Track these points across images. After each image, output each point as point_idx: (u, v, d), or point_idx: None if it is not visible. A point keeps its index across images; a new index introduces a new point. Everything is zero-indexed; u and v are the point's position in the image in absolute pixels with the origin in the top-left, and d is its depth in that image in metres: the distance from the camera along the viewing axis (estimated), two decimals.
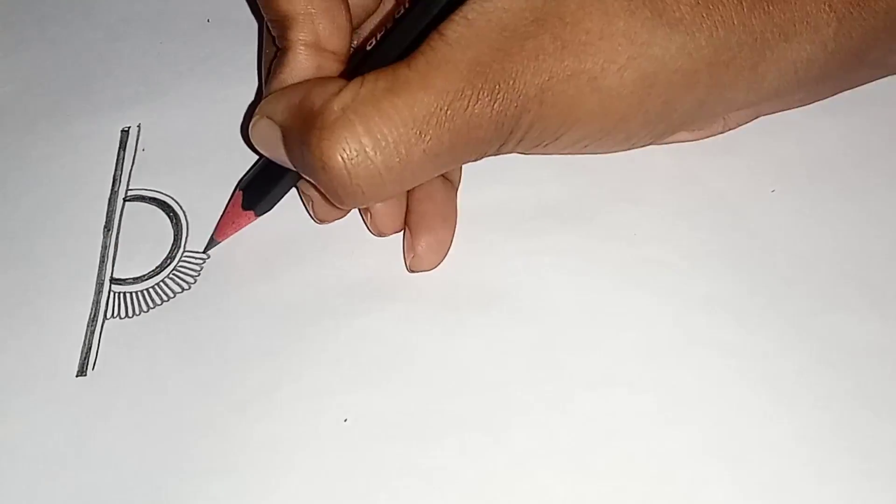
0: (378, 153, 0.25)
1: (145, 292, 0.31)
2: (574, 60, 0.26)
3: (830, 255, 0.31)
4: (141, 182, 0.34)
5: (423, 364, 0.29)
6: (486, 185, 0.33)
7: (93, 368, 0.30)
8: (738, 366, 0.28)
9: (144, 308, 0.31)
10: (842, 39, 0.28)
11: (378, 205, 0.31)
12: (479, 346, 0.29)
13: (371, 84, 0.26)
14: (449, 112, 0.26)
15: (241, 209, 0.32)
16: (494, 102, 0.26)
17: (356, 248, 0.32)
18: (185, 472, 0.28)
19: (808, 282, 0.30)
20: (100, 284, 0.32)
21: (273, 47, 0.31)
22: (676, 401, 0.28)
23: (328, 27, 0.29)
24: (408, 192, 0.31)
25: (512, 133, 0.27)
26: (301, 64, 0.29)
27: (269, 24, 0.30)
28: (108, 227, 0.33)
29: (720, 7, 0.27)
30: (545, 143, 0.29)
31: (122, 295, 0.31)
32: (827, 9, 0.28)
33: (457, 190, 0.32)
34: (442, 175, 0.31)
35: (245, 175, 0.33)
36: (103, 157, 0.35)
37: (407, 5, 0.28)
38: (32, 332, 0.31)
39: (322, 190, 0.27)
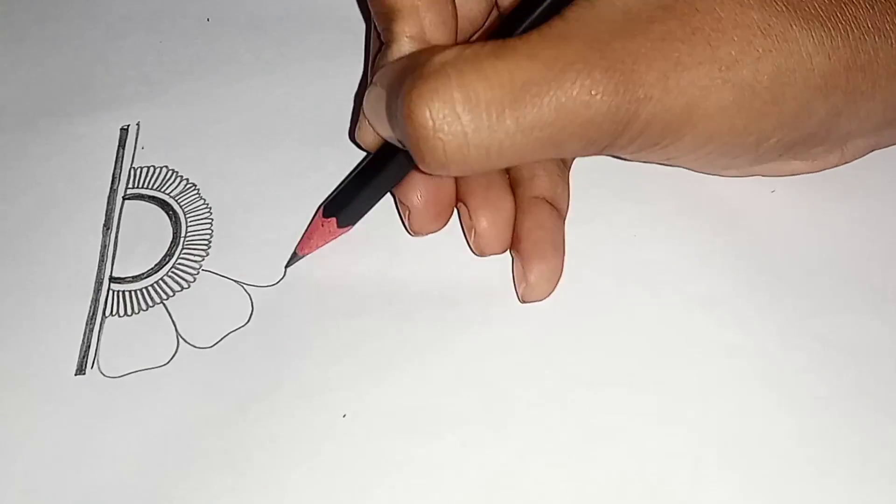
0: (468, 112, 0.23)
1: (144, 291, 0.31)
2: (705, 48, 0.24)
3: (831, 255, 0.31)
4: (140, 181, 0.34)
5: (423, 360, 0.29)
6: None
7: (92, 367, 0.30)
8: (738, 366, 0.28)
9: (143, 306, 0.31)
10: None
11: (484, 222, 0.29)
12: (478, 343, 0.29)
13: (477, 47, 0.24)
14: (554, 83, 0.23)
15: (323, 219, 0.31)
16: (610, 82, 0.24)
17: (356, 246, 0.32)
18: (185, 470, 0.28)
19: (809, 282, 0.30)
20: (99, 283, 0.32)
21: (379, 42, 0.30)
22: (676, 400, 0.28)
23: (434, 20, 0.28)
24: (517, 221, 0.30)
25: (629, 124, 0.24)
26: (403, 51, 0.28)
27: (375, 17, 0.29)
28: (107, 226, 0.33)
29: (852, 7, 0.26)
30: (666, 143, 0.26)
31: (121, 293, 0.31)
32: None
33: (564, 219, 0.31)
34: (551, 203, 0.30)
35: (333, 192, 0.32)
36: (102, 155, 0.35)
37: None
38: (31, 331, 0.31)
39: (406, 146, 0.25)
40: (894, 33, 0.26)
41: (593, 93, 0.23)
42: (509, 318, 0.30)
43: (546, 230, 0.30)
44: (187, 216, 0.33)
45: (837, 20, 0.25)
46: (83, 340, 0.30)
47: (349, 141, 0.35)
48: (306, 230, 0.32)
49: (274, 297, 0.31)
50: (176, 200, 0.34)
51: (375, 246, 0.32)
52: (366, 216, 0.31)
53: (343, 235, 0.31)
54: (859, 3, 0.26)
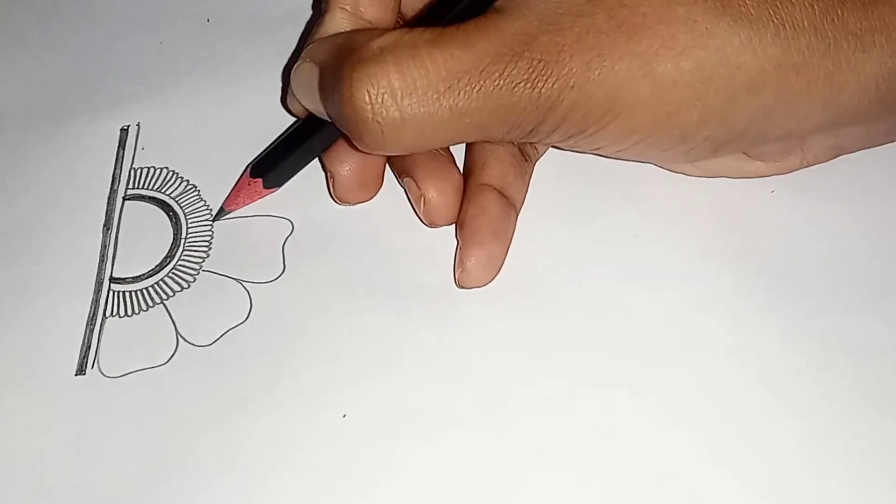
0: (404, 97, 0.25)
1: (144, 291, 0.31)
2: (628, 41, 0.26)
3: (830, 255, 0.31)
4: (140, 181, 0.34)
5: (423, 360, 0.29)
6: None
7: (92, 367, 0.30)
8: (737, 366, 0.28)
9: (144, 307, 0.31)
10: None
11: (432, 191, 0.30)
12: (478, 343, 0.29)
13: (416, 34, 0.26)
14: (484, 73, 0.25)
15: (250, 179, 0.32)
16: (534, 71, 0.25)
17: (356, 244, 0.32)
18: (185, 470, 0.28)
19: (808, 283, 0.30)
20: (99, 283, 0.32)
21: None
22: (676, 401, 0.28)
23: None
24: (462, 208, 0.31)
25: (551, 110, 0.26)
26: (336, 24, 0.29)
27: None
28: (107, 226, 0.33)
29: (789, 6, 0.26)
30: (590, 132, 0.27)
31: (121, 294, 0.31)
32: None
33: (518, 212, 0.32)
34: (500, 192, 0.31)
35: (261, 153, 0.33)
36: (103, 156, 0.35)
37: None
38: (32, 331, 0.31)
39: (346, 129, 0.27)
40: (833, 33, 0.26)
41: (518, 82, 0.25)
42: (509, 318, 0.30)
43: (489, 217, 0.30)
44: (188, 217, 0.33)
45: (769, 18, 0.26)
46: (83, 341, 0.30)
47: None
48: (234, 187, 0.33)
49: (272, 294, 0.31)
50: (176, 201, 0.34)
51: (375, 243, 0.32)
52: (363, 216, 0.32)
53: (342, 232, 0.31)
54: (797, 1, 0.26)
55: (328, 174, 0.32)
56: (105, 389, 0.29)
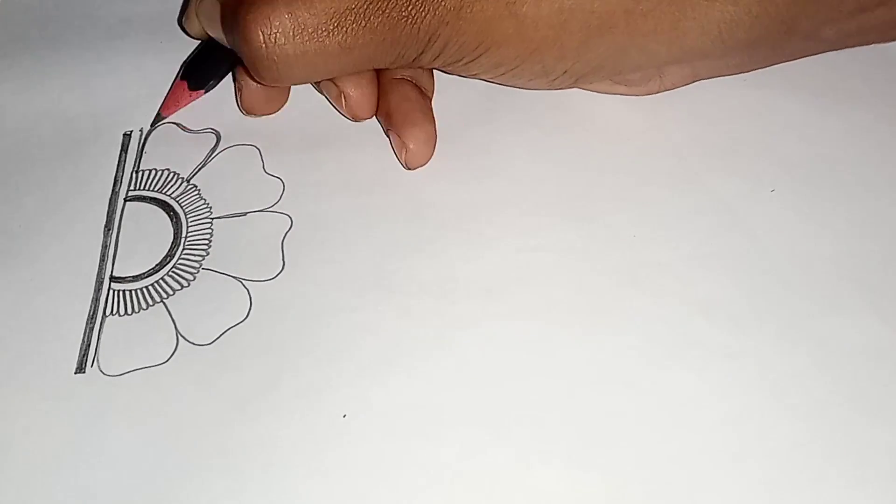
0: (295, 36, 0.28)
1: (144, 290, 0.31)
2: None
3: (830, 256, 0.31)
4: (141, 183, 0.34)
5: (422, 360, 0.29)
6: (487, 183, 0.33)
7: (91, 365, 0.30)
8: (736, 367, 0.28)
9: (143, 306, 0.31)
10: (766, 5, 0.30)
11: (351, 89, 0.33)
12: (478, 343, 0.29)
13: None
14: (367, 11, 0.28)
15: (181, 83, 0.35)
16: (413, 9, 0.29)
17: (355, 240, 0.32)
18: (184, 469, 0.27)
19: (808, 284, 0.30)
20: (99, 283, 0.32)
21: None
22: (674, 402, 0.28)
23: None
24: (384, 100, 0.33)
25: (430, 43, 0.30)
26: None
27: None
28: (108, 227, 0.33)
29: None
30: (465, 61, 0.31)
31: (121, 293, 0.31)
32: None
33: (430, 100, 0.35)
34: (413, 83, 0.34)
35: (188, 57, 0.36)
36: (105, 159, 0.35)
37: None
38: (32, 329, 0.31)
39: (246, 63, 0.30)
40: None
41: (399, 19, 0.29)
42: (509, 317, 0.30)
43: (412, 101, 0.33)
44: (188, 216, 0.33)
45: None
46: (83, 339, 0.30)
47: (349, 143, 0.35)
48: (169, 91, 0.36)
49: (272, 292, 0.31)
50: (177, 201, 0.34)
51: (375, 239, 0.32)
52: (362, 212, 0.32)
53: (341, 230, 0.32)
54: None
55: (237, 85, 0.35)
56: (104, 388, 0.29)
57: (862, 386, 0.28)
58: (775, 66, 0.34)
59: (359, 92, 0.33)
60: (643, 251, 0.31)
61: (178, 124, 0.36)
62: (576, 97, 0.35)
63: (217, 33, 0.32)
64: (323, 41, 0.29)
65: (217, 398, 0.29)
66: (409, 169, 0.34)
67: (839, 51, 0.34)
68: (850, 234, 0.31)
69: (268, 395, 0.29)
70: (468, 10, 0.29)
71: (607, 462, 0.27)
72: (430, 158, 0.34)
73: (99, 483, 0.27)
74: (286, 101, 0.36)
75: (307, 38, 0.28)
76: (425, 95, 0.34)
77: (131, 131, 0.36)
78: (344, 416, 0.28)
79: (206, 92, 0.36)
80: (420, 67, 0.32)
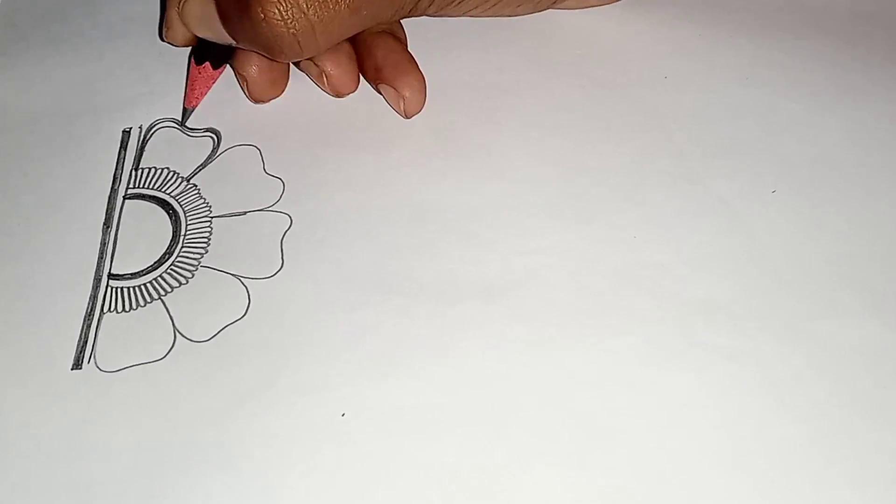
0: (309, 8, 0.30)
1: (142, 287, 0.31)
2: None
3: (830, 257, 0.31)
4: (141, 181, 0.34)
5: (422, 359, 0.29)
6: (487, 183, 0.33)
7: (88, 361, 0.30)
8: (736, 369, 0.28)
9: (141, 303, 0.31)
10: None
11: (331, 67, 0.35)
12: (477, 343, 0.29)
13: None
14: None
15: (198, 67, 0.35)
16: None
17: (354, 239, 0.32)
18: (182, 467, 0.27)
19: (808, 285, 0.30)
20: (97, 279, 0.32)
21: None
22: (674, 403, 0.28)
23: None
24: (369, 55, 0.35)
25: None
26: None
27: None
28: (107, 224, 0.33)
29: None
30: (458, 2, 0.35)
31: (119, 290, 0.31)
32: None
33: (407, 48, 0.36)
34: (391, 34, 0.36)
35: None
36: (104, 156, 0.35)
37: None
38: (30, 326, 0.30)
39: (262, 48, 0.31)
40: None
41: None
42: (509, 318, 0.30)
43: (398, 52, 0.35)
44: (187, 215, 0.33)
45: None
46: (80, 335, 0.30)
47: (349, 143, 0.35)
48: (187, 84, 0.36)
49: (271, 290, 0.31)
50: (176, 200, 0.34)
51: (374, 238, 0.32)
52: (362, 211, 0.32)
53: (341, 228, 0.32)
54: None
55: (239, 78, 0.36)
56: (101, 384, 0.29)
57: (862, 387, 0.28)
58: (775, 65, 0.34)
59: (339, 69, 0.35)
60: (643, 252, 0.31)
61: (178, 124, 0.36)
62: (576, 97, 0.35)
63: (208, 32, 0.33)
64: (334, 7, 0.30)
65: (214, 395, 0.29)
66: (408, 117, 0.35)
67: (841, 50, 0.34)
68: (850, 236, 0.31)
69: (265, 393, 0.29)
70: None
71: (607, 463, 0.27)
72: (424, 104, 0.35)
73: (96, 479, 0.27)
74: (288, 82, 0.37)
75: (320, 8, 0.30)
76: (404, 44, 0.36)
77: (130, 128, 0.36)
78: (343, 415, 0.28)
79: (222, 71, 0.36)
80: (417, 15, 0.34)
